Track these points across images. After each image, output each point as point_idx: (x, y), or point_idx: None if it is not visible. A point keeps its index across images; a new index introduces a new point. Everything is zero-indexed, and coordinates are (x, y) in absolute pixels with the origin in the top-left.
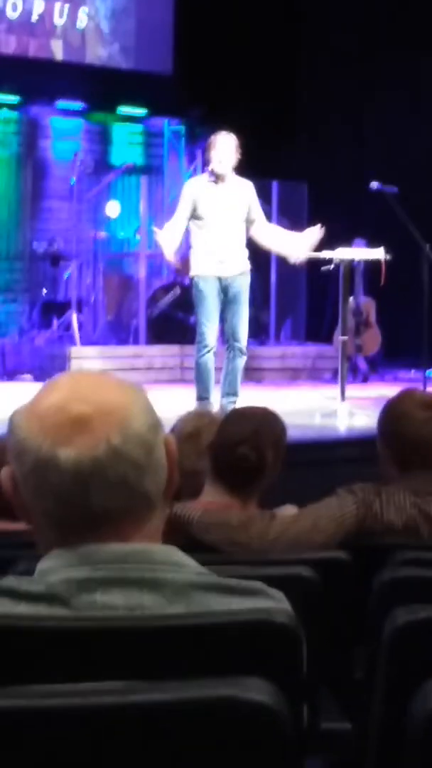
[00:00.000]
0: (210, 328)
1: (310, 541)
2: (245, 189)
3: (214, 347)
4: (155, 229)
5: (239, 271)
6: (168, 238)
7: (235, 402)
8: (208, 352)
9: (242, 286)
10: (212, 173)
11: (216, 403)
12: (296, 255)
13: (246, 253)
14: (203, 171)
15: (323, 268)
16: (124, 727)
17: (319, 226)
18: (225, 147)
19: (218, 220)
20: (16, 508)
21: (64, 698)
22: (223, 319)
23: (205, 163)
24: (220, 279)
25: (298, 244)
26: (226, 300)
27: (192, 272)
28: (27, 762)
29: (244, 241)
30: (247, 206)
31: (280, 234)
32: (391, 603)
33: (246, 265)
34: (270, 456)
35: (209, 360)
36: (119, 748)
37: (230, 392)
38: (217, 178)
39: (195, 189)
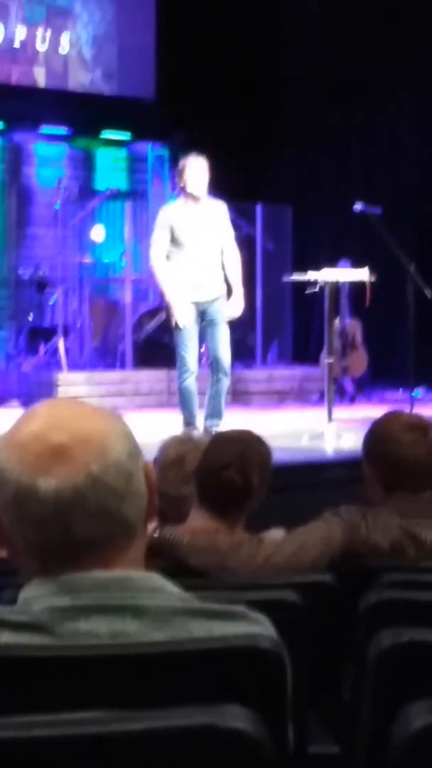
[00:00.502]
0: (190, 354)
1: (297, 564)
2: (220, 210)
3: (196, 372)
4: (157, 273)
5: (216, 294)
6: (167, 278)
7: (218, 425)
8: (190, 376)
9: (220, 309)
10: (188, 196)
11: (200, 426)
12: (229, 314)
13: (222, 275)
14: (177, 196)
15: (308, 290)
16: (106, 757)
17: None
18: (197, 170)
19: (195, 244)
20: None
21: (45, 729)
22: (204, 344)
23: (178, 187)
24: (197, 304)
25: (231, 305)
26: (205, 324)
27: (170, 298)
28: None
29: (220, 264)
30: (223, 228)
31: (230, 281)
32: (377, 625)
33: (223, 288)
34: (256, 479)
35: (191, 384)
36: None
37: (214, 415)
38: (193, 200)
39: (170, 215)
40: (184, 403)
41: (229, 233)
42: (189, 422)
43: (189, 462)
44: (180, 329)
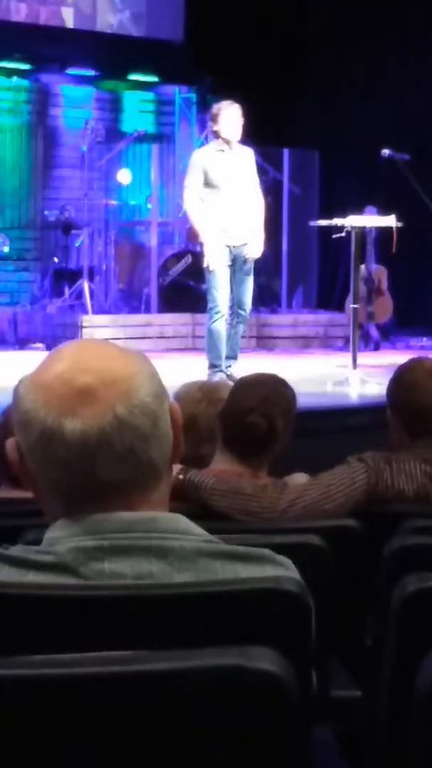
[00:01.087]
0: (221, 295)
1: (321, 509)
2: (249, 156)
3: (226, 314)
4: (192, 215)
5: (247, 239)
6: (202, 220)
7: (232, 365)
8: (221, 318)
9: (250, 254)
10: (222, 141)
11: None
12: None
13: (254, 219)
14: (208, 139)
15: (335, 235)
16: (131, 696)
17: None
18: (233, 116)
19: (228, 188)
20: (22, 479)
21: (72, 667)
22: (230, 286)
23: (210, 131)
24: (229, 247)
25: (251, 246)
26: (234, 268)
27: (202, 240)
28: (36, 730)
29: (252, 208)
30: (252, 174)
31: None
32: (401, 571)
33: (254, 233)
34: (280, 424)
35: (221, 326)
36: (126, 716)
37: (231, 356)
38: (227, 145)
39: (204, 158)
40: (212, 344)
41: (255, 179)
42: (215, 364)
43: (203, 422)
44: (211, 271)
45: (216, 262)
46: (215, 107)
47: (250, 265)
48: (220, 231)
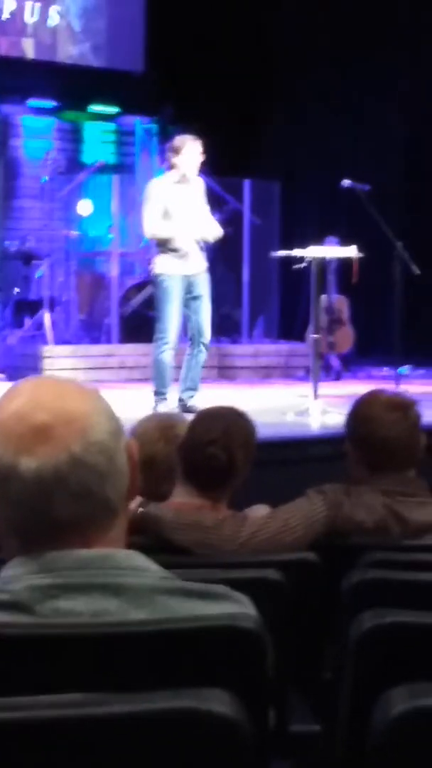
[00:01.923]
0: (172, 326)
1: (280, 542)
2: (202, 186)
3: (174, 345)
4: (156, 232)
5: (202, 268)
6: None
7: (194, 396)
8: (168, 348)
9: (204, 282)
10: (182, 176)
11: (170, 397)
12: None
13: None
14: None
15: (295, 266)
16: (85, 740)
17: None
18: (195, 151)
19: (184, 219)
20: None
21: (25, 711)
22: (186, 317)
23: (168, 162)
24: (184, 277)
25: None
26: (191, 297)
27: (157, 270)
28: None
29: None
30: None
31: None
32: (359, 605)
33: (205, 263)
34: (240, 456)
35: (168, 357)
36: (78, 761)
37: (192, 387)
38: (185, 181)
39: (161, 190)
40: (158, 373)
41: (206, 208)
42: (160, 392)
43: (161, 460)
44: (165, 288)
45: (171, 290)
46: (178, 140)
47: (204, 291)
48: (176, 260)
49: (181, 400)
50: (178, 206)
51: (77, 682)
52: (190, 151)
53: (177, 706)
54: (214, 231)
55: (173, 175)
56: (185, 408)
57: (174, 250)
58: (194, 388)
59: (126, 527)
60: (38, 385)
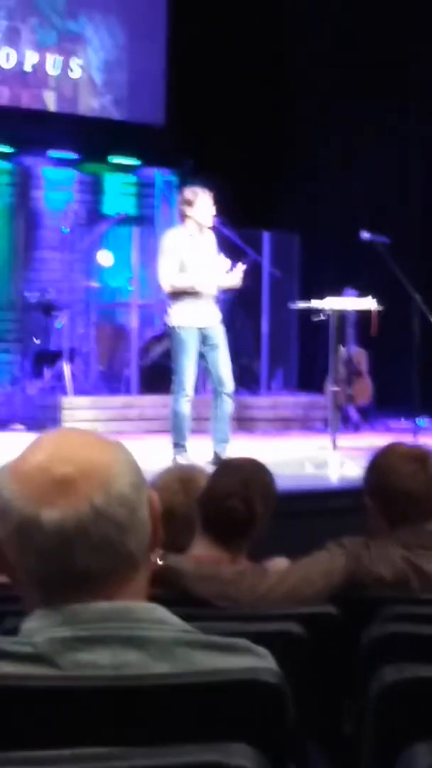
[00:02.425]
0: (189, 377)
1: (300, 595)
2: (213, 239)
3: (192, 396)
4: (174, 283)
5: (216, 320)
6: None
7: (226, 448)
8: (186, 399)
9: (220, 333)
10: (196, 226)
11: (189, 449)
12: (233, 283)
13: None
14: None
15: (315, 318)
16: None
17: (240, 263)
18: (208, 202)
19: (200, 271)
20: (1, 566)
21: (48, 765)
22: (205, 368)
23: (181, 215)
24: (200, 328)
25: (233, 276)
26: (207, 348)
27: (173, 322)
28: None
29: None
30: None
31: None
32: (380, 659)
33: (219, 314)
34: (260, 508)
35: (187, 408)
36: None
37: (223, 439)
38: (200, 230)
39: (177, 241)
40: (176, 425)
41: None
42: (178, 443)
43: (180, 512)
44: (182, 340)
45: (188, 342)
46: (190, 193)
47: (221, 341)
48: (191, 312)
49: (215, 453)
50: (193, 258)
51: (99, 735)
52: (203, 202)
53: (201, 761)
54: (232, 279)
55: (188, 228)
56: (219, 461)
57: (190, 301)
58: (225, 440)
59: (148, 579)
60: (61, 437)
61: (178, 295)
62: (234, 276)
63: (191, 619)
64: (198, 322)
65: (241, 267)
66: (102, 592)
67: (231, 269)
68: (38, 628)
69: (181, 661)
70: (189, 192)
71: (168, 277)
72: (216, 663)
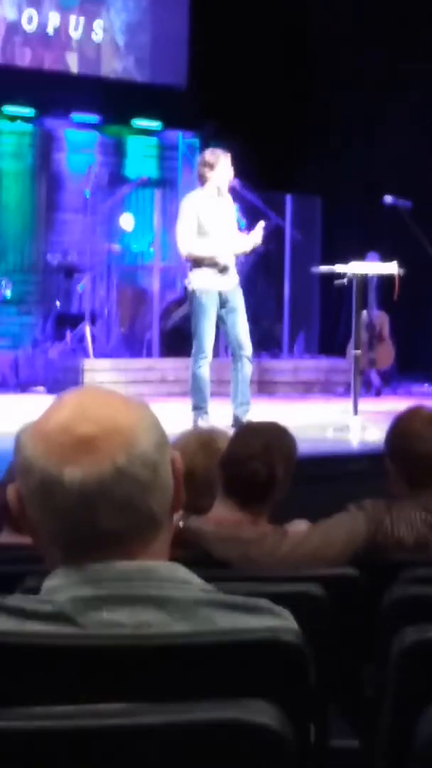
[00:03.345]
0: (208, 340)
1: (321, 557)
2: (231, 204)
3: (210, 358)
4: (192, 251)
5: (235, 283)
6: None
7: (248, 411)
8: (206, 362)
9: (238, 297)
10: (215, 189)
11: (210, 412)
12: (254, 243)
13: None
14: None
15: (336, 282)
16: (128, 750)
17: (261, 223)
18: (228, 165)
19: (218, 233)
20: (22, 525)
21: (69, 720)
22: (224, 332)
23: (200, 176)
24: (220, 292)
25: (252, 238)
26: (226, 312)
27: (193, 285)
28: None
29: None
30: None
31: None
32: (400, 621)
33: (237, 278)
34: (281, 471)
35: (206, 370)
36: None
37: (243, 402)
38: (219, 193)
39: (196, 204)
40: (196, 388)
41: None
42: (199, 406)
43: (200, 473)
44: (201, 303)
45: (207, 305)
46: (211, 155)
47: (239, 304)
48: (211, 275)
49: (235, 416)
50: (212, 221)
51: (120, 693)
52: (223, 165)
53: (221, 717)
54: (252, 240)
55: (208, 190)
56: (240, 424)
57: (210, 265)
58: (246, 403)
59: (170, 539)
60: (84, 397)
61: (198, 260)
62: (254, 236)
63: (212, 581)
64: (217, 285)
65: (261, 225)
66: (124, 551)
67: (250, 230)
68: (60, 586)
69: (201, 620)
70: (210, 154)
71: (186, 243)
72: (237, 623)
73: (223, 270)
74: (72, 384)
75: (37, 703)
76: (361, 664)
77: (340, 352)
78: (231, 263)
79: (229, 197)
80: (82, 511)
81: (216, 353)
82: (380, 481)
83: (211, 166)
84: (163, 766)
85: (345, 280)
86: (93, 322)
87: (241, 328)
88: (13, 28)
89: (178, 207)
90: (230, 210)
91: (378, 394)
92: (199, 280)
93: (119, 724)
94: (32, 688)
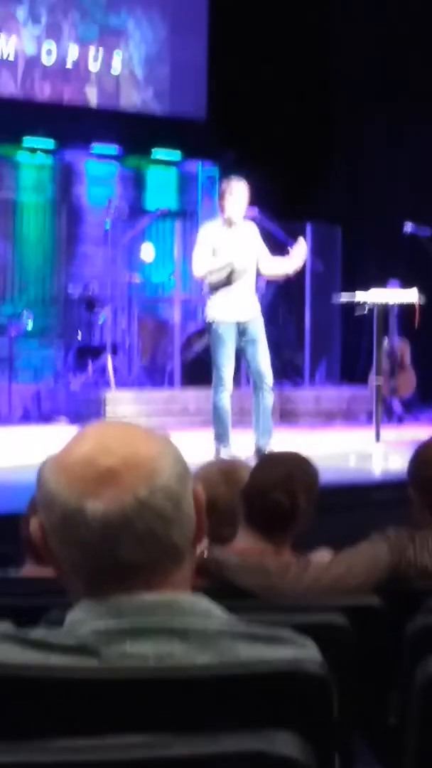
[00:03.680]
0: (228, 370)
1: (344, 586)
2: (253, 231)
3: (231, 390)
4: (203, 268)
5: (255, 313)
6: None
7: (270, 439)
8: (225, 394)
9: (258, 327)
10: (227, 220)
11: (232, 444)
12: (292, 268)
13: (256, 294)
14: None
15: (357, 312)
16: None
17: (301, 238)
18: (238, 194)
19: (235, 265)
20: (45, 557)
21: (92, 753)
22: (245, 362)
23: (219, 206)
24: (237, 323)
25: (291, 260)
26: (246, 342)
27: (210, 317)
28: None
29: (254, 284)
30: (257, 247)
31: (277, 259)
32: (424, 650)
33: (258, 307)
34: (303, 501)
35: (227, 401)
36: None
37: (265, 430)
38: (232, 224)
39: (211, 234)
40: (217, 419)
41: (264, 249)
42: (220, 436)
43: (222, 504)
44: (219, 335)
45: (225, 337)
46: (223, 183)
47: (258, 335)
48: (228, 307)
49: (257, 446)
50: (227, 252)
51: (143, 725)
52: (233, 193)
53: (245, 749)
54: (282, 266)
55: (221, 220)
56: (263, 454)
57: (226, 295)
58: (268, 432)
59: (192, 571)
60: (106, 429)
61: (214, 287)
62: (296, 254)
63: (235, 611)
64: (235, 316)
65: (301, 241)
66: (146, 583)
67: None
68: (83, 619)
69: (225, 652)
70: (223, 183)
71: (197, 265)
72: (260, 654)
73: (237, 299)
74: (94, 415)
75: (61, 736)
76: (385, 693)
77: (362, 380)
78: (248, 292)
79: (248, 224)
80: (104, 544)
81: (237, 383)
82: (403, 509)
83: (221, 195)
84: None
85: (365, 311)
86: (114, 353)
87: (261, 358)
88: (33, 62)
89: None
90: (248, 237)
91: (400, 421)
92: (215, 311)
93: (143, 757)
94: (56, 721)
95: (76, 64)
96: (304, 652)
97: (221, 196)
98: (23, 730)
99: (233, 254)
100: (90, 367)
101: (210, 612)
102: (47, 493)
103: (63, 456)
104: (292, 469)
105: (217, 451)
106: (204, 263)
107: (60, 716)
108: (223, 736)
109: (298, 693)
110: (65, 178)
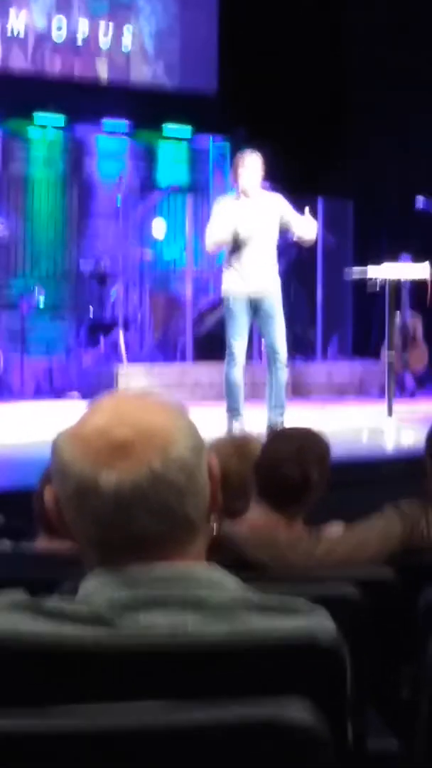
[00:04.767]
0: (239, 344)
1: (356, 559)
2: (275, 203)
3: (243, 363)
4: (211, 238)
5: (271, 288)
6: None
7: (283, 414)
8: (237, 367)
9: (274, 301)
10: (241, 192)
11: (245, 415)
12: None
13: (276, 268)
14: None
15: (369, 289)
16: (164, 748)
17: (307, 209)
18: (251, 165)
19: (250, 238)
20: (59, 528)
21: (105, 719)
22: (260, 336)
23: (233, 181)
24: (250, 297)
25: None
26: (261, 317)
27: (224, 291)
28: None
29: (274, 257)
30: (279, 220)
31: (306, 219)
32: None
33: (277, 281)
34: (315, 474)
35: (238, 374)
36: None
37: (278, 405)
38: (246, 196)
39: (223, 207)
40: (228, 391)
41: (292, 214)
42: (232, 410)
43: (234, 476)
44: (230, 309)
45: (236, 310)
46: (237, 157)
47: (274, 310)
48: (241, 280)
49: (270, 420)
50: (242, 224)
51: (155, 695)
52: (246, 165)
53: (258, 715)
54: (308, 228)
55: (236, 193)
56: (275, 427)
57: (241, 268)
58: (281, 406)
59: (206, 543)
60: (120, 401)
61: (227, 260)
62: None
63: (247, 583)
64: (248, 290)
65: (307, 211)
66: (160, 554)
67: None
68: (96, 589)
69: (238, 622)
70: (237, 156)
71: (208, 238)
72: (273, 624)
73: (251, 273)
74: (106, 390)
75: (74, 704)
76: (398, 665)
77: (374, 354)
78: (265, 266)
79: (269, 196)
80: (118, 515)
81: (250, 357)
82: (415, 483)
83: (236, 167)
84: (197, 765)
85: (377, 288)
86: (126, 328)
87: (276, 334)
88: (43, 36)
89: (210, 212)
90: (267, 210)
91: (412, 396)
92: (228, 285)
93: (155, 723)
94: (69, 690)
95: (86, 39)
96: (318, 621)
97: (234, 169)
98: (34, 699)
99: (240, 222)
100: (102, 343)
101: (224, 583)
102: (62, 464)
103: (78, 427)
104: (303, 443)
105: (230, 424)
106: (211, 234)
107: (73, 685)
108: (235, 703)
109: (311, 664)
110: (76, 154)
